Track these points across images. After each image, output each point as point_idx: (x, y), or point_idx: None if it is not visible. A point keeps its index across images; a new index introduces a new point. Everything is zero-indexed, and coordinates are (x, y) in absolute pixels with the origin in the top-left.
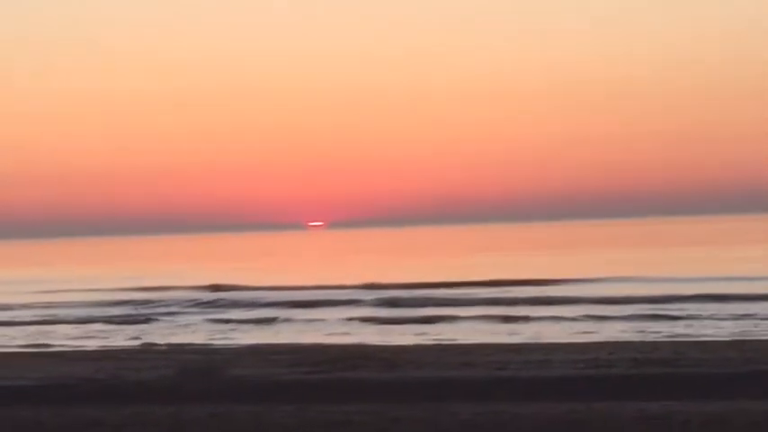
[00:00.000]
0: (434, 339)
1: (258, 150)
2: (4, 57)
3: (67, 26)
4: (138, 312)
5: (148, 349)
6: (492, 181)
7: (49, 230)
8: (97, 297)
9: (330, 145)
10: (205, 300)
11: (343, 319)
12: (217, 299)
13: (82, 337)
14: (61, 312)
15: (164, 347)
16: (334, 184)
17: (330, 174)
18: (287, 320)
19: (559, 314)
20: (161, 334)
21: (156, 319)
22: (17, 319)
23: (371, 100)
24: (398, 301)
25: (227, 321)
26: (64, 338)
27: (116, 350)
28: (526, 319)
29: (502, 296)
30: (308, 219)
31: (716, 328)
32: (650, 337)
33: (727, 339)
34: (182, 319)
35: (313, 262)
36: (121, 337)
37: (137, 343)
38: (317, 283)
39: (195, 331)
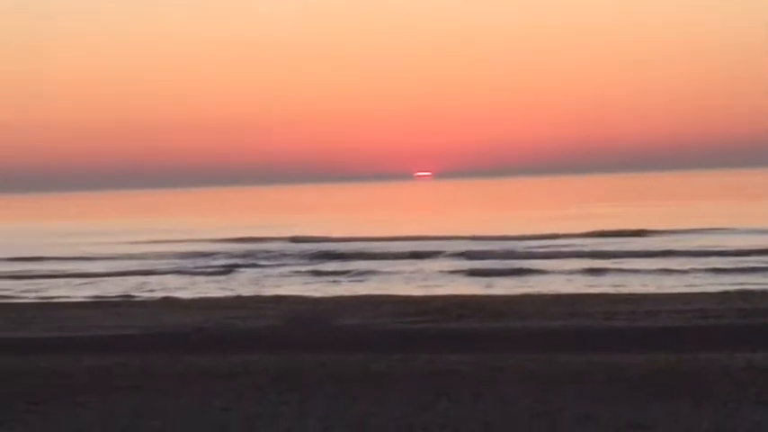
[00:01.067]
0: (538, 290)
1: (367, 102)
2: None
3: None
4: (237, 262)
5: (254, 299)
6: (597, 131)
7: (153, 181)
8: (206, 247)
9: (439, 96)
10: (302, 251)
11: (439, 272)
12: (316, 251)
13: (182, 288)
14: (159, 263)
15: (269, 297)
16: (443, 135)
17: (439, 124)
18: (382, 273)
19: (662, 266)
20: (263, 284)
21: (256, 268)
22: (116, 270)
23: (481, 48)
24: (488, 254)
25: (325, 273)
26: (165, 289)
27: (221, 299)
28: (628, 271)
29: (601, 248)
30: (416, 169)
31: None
32: (756, 288)
33: None
34: (276, 271)
35: (413, 212)
36: (226, 287)
37: (242, 292)
38: (411, 234)
39: (295, 282)
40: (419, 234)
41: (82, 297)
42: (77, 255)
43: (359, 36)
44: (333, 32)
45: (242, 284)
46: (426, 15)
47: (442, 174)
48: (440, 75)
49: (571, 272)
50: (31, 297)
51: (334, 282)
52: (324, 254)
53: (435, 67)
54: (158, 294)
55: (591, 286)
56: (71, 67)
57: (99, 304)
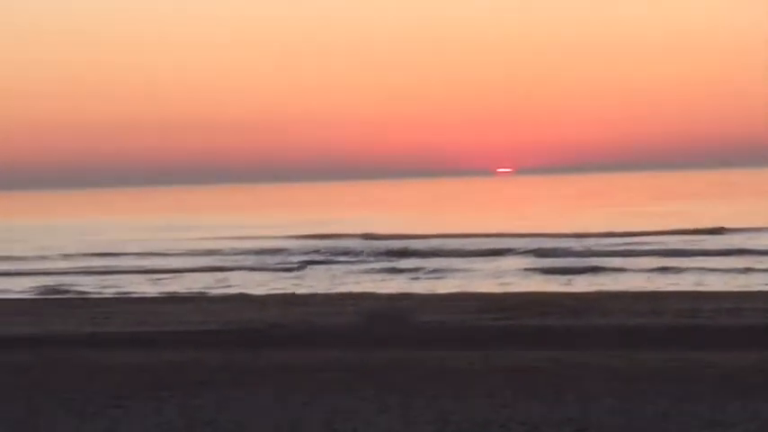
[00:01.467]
0: (617, 288)
1: (451, 99)
2: None
3: None
4: (312, 258)
5: (333, 295)
6: (676, 127)
7: (223, 176)
8: (277, 243)
9: (521, 93)
10: (376, 248)
11: (516, 269)
12: (388, 248)
13: (260, 284)
14: (234, 259)
15: (346, 294)
16: (524, 131)
17: (520, 121)
18: (457, 270)
19: (741, 264)
20: (340, 281)
21: (331, 264)
22: (193, 266)
23: (564, 48)
24: (565, 251)
25: (400, 270)
26: (242, 285)
27: (301, 296)
28: (707, 269)
29: (679, 246)
30: (498, 165)
31: None
32: None
33: None
34: (352, 267)
35: (491, 208)
36: (302, 284)
37: (318, 289)
38: (487, 231)
39: (371, 280)
40: (496, 231)
41: (158, 293)
42: (152, 250)
43: (434, 35)
44: (409, 32)
45: (318, 281)
46: (514, 17)
47: (524, 170)
48: (523, 72)
49: (650, 269)
50: (109, 293)
51: (412, 278)
52: (398, 251)
53: (517, 64)
54: (235, 290)
55: (671, 284)
56: (119, 67)
57: (177, 299)
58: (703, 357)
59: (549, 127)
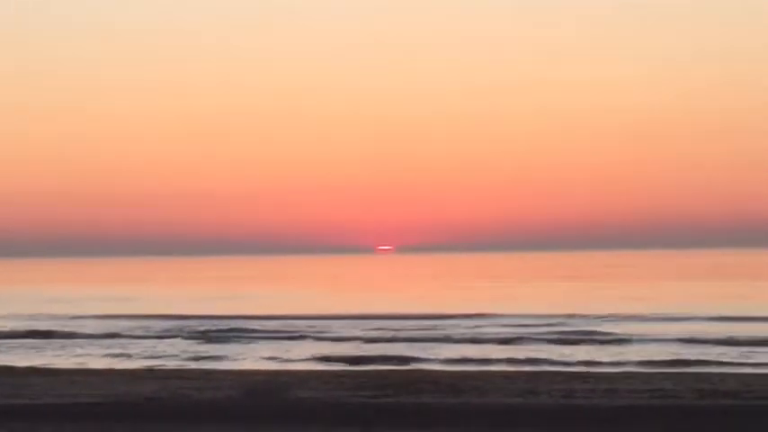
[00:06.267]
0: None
1: (330, 175)
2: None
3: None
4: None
5: (209, 370)
6: (559, 208)
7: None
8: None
9: (400, 170)
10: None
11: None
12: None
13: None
14: (121, 327)
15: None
16: (404, 209)
17: (399, 198)
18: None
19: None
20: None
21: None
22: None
23: (444, 127)
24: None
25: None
26: (133, 357)
27: (175, 370)
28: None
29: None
30: (379, 242)
31: None
32: (716, 369)
33: None
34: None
35: (361, 287)
36: (180, 357)
37: (193, 364)
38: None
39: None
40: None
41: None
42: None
43: (328, 111)
44: (301, 107)
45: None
46: (393, 95)
47: (405, 248)
48: (404, 151)
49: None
50: None
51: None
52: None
53: (405, 144)
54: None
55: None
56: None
57: (46, 371)
58: None
59: (427, 205)
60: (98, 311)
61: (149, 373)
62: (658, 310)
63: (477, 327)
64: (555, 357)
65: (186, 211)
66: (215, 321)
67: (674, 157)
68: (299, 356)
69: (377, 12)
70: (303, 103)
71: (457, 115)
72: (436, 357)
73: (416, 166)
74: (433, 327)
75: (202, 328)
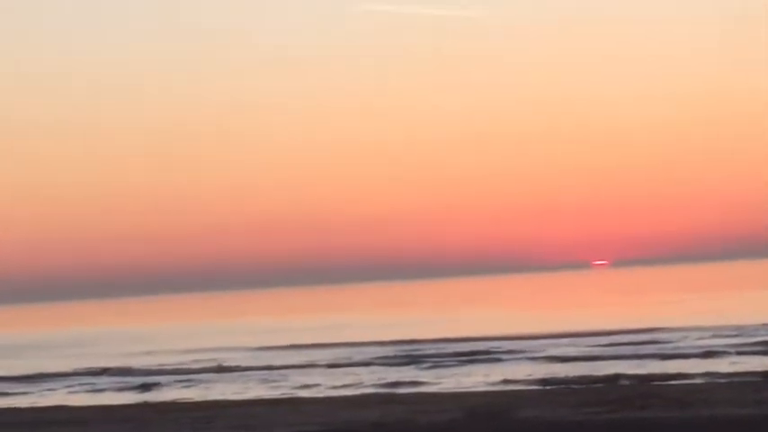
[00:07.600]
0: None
1: (542, 191)
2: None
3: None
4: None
5: (425, 393)
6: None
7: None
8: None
9: (614, 183)
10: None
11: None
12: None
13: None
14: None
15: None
16: (619, 223)
17: (615, 212)
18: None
19: None
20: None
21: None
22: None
23: (653, 135)
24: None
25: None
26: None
27: (391, 394)
28: None
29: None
30: (594, 257)
31: None
32: None
33: None
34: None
35: (576, 303)
36: (394, 382)
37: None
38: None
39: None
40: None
41: (251, 396)
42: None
43: (535, 126)
44: (504, 124)
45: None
46: (603, 105)
47: (620, 262)
48: (622, 164)
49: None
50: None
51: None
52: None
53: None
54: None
55: None
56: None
57: (267, 402)
58: None
59: (643, 218)
60: (314, 340)
61: (368, 398)
62: None
63: (700, 339)
64: None
65: (393, 236)
66: (424, 345)
67: None
68: (514, 377)
69: (574, 24)
70: (506, 123)
71: (666, 123)
72: (655, 372)
73: (630, 178)
74: (651, 340)
75: (414, 353)
